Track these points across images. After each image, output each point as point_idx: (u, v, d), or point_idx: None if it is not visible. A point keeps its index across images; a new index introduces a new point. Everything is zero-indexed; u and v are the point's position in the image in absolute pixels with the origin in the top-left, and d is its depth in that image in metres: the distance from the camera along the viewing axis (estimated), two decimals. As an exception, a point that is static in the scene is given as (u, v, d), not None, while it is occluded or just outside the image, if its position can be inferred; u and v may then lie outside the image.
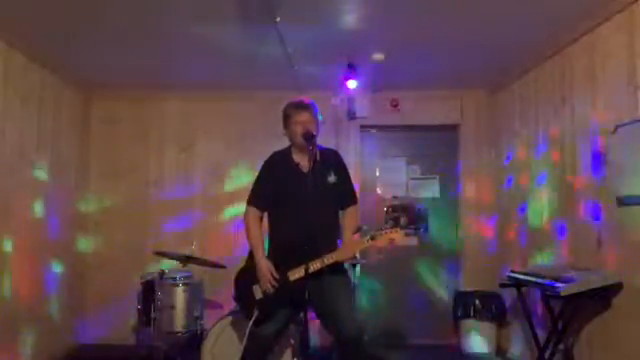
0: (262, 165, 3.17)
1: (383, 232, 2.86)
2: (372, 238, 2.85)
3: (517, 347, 4.45)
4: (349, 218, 3.11)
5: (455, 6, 3.27)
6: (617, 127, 3.09)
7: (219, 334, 3.64)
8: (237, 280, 3.14)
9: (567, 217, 3.69)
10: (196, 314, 3.95)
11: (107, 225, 5.09)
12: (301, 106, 3.04)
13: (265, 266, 2.93)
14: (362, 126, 5.26)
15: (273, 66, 4.30)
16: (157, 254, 4.03)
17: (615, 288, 3.05)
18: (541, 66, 4.10)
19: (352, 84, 4.40)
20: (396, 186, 5.31)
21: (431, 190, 5.30)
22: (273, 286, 2.90)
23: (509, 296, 4.52)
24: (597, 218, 3.32)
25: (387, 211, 5.19)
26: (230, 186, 5.10)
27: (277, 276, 2.91)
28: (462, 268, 5.15)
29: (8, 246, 3.78)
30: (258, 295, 2.98)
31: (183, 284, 3.95)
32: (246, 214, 3.11)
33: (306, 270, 2.74)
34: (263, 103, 4.98)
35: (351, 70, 4.23)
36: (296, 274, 2.87)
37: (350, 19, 3.49)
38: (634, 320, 2.93)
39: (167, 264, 4.30)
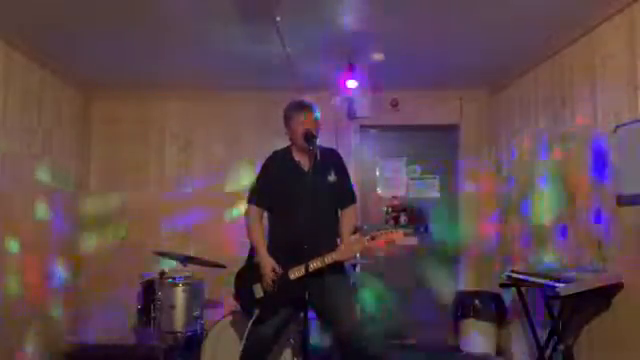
0: (263, 164, 3.18)
1: (383, 232, 2.86)
2: (372, 238, 2.86)
3: (517, 347, 4.45)
4: (348, 217, 3.11)
5: (455, 6, 3.27)
6: (617, 127, 3.09)
7: (219, 334, 3.63)
8: (237, 279, 3.14)
9: (567, 217, 3.69)
10: (196, 314, 3.94)
11: (107, 225, 5.08)
12: (302, 107, 3.05)
13: (268, 263, 2.94)
14: (362, 126, 5.26)
15: (273, 66, 4.30)
16: (157, 254, 4.03)
17: (615, 288, 3.05)
18: (541, 66, 4.10)
19: (352, 84, 4.40)
20: (396, 186, 5.31)
21: (431, 190, 5.30)
22: (274, 284, 2.91)
23: (509, 296, 4.52)
24: (597, 218, 3.32)
25: (387, 211, 5.18)
26: (230, 186, 5.10)
27: (279, 273, 2.92)
28: (462, 268, 5.15)
29: (12, 246, 3.79)
30: (258, 294, 2.99)
31: (183, 284, 3.95)
32: (247, 212, 3.12)
33: (306, 269, 2.75)
34: (263, 103, 4.98)
35: (351, 70, 4.23)
36: (296, 273, 2.88)
37: (350, 19, 3.49)
38: (634, 320, 2.93)
39: (167, 264, 4.30)
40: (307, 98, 3.16)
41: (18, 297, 3.87)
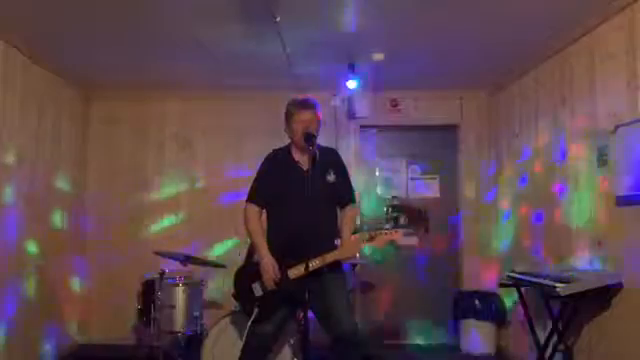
0: (262, 162, 3.17)
1: (382, 232, 2.86)
2: (371, 238, 2.85)
3: (517, 347, 4.45)
4: (348, 217, 3.11)
5: (455, 6, 3.27)
6: (617, 127, 3.09)
7: (219, 334, 3.64)
8: (237, 278, 3.14)
9: (567, 217, 3.69)
10: (196, 314, 3.94)
11: (107, 224, 5.08)
12: (304, 105, 3.04)
13: (269, 262, 2.93)
14: (362, 126, 5.26)
15: (273, 66, 4.30)
16: (157, 254, 4.03)
17: (615, 288, 3.05)
18: (541, 66, 4.09)
19: (352, 84, 4.40)
20: (396, 186, 5.31)
21: (431, 190, 5.30)
22: (274, 283, 2.91)
23: (509, 296, 4.52)
24: (597, 218, 3.32)
25: (387, 211, 5.19)
26: (230, 186, 5.10)
27: (279, 273, 2.91)
28: (462, 268, 5.15)
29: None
30: (258, 293, 2.99)
31: (183, 284, 3.95)
32: (246, 211, 3.10)
33: (306, 268, 2.74)
34: (263, 103, 4.98)
35: (351, 70, 4.24)
36: (295, 272, 2.87)
37: (350, 19, 3.49)
38: (634, 320, 2.92)
39: (167, 264, 4.29)
40: (310, 96, 3.14)
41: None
